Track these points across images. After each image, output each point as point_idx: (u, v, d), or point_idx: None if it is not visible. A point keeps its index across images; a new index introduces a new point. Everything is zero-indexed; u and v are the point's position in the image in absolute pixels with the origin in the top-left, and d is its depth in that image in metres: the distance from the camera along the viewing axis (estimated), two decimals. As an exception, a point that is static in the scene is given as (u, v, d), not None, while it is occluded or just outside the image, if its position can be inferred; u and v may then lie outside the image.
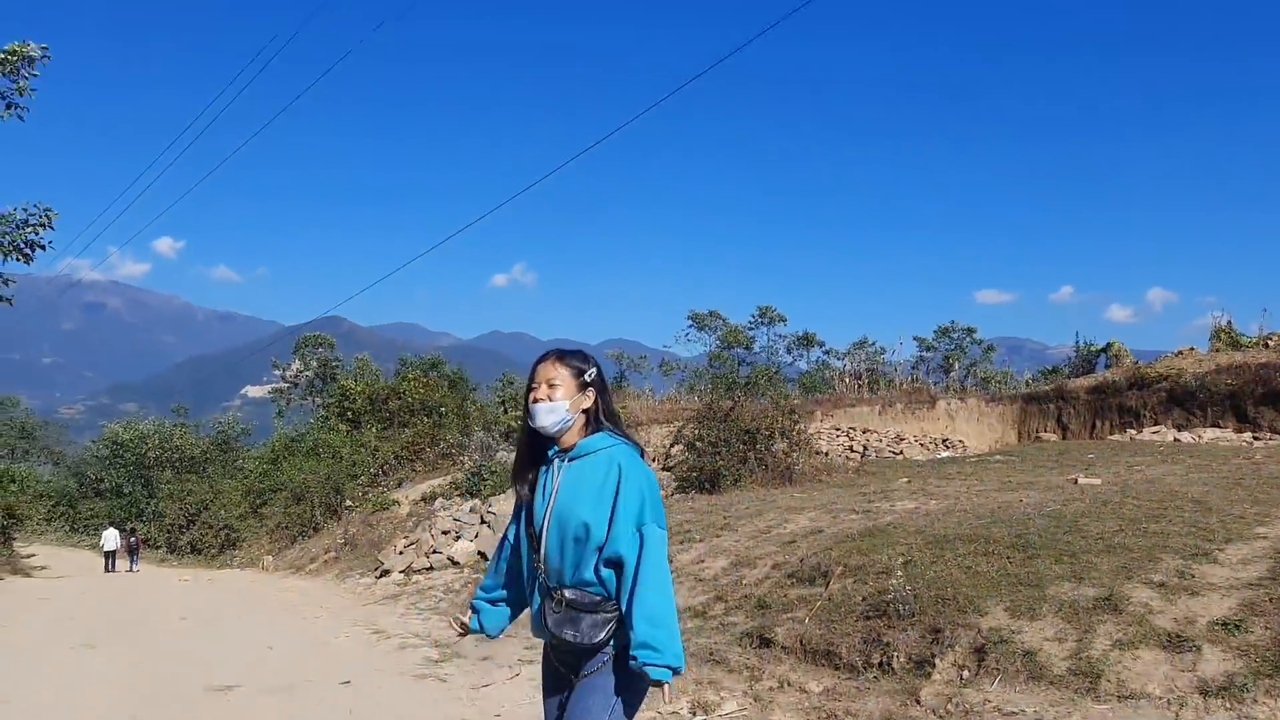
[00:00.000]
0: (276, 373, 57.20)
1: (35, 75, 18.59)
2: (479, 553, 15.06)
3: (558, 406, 2.86)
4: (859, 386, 35.23)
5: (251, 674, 7.87)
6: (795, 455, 14.40)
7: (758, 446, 14.22)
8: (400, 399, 34.40)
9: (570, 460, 2.85)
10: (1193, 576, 6.41)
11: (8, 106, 18.57)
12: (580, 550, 2.73)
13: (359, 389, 36.33)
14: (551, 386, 2.87)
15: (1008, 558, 7.33)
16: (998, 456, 15.92)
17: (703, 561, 9.54)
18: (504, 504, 18.01)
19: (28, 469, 47.33)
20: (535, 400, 2.89)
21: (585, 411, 2.90)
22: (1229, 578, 6.34)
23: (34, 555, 38.76)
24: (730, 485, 13.76)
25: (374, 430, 32.58)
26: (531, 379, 2.93)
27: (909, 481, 12.67)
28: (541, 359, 2.96)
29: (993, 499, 9.95)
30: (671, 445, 17.61)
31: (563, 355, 2.96)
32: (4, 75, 18.22)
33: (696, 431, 15.21)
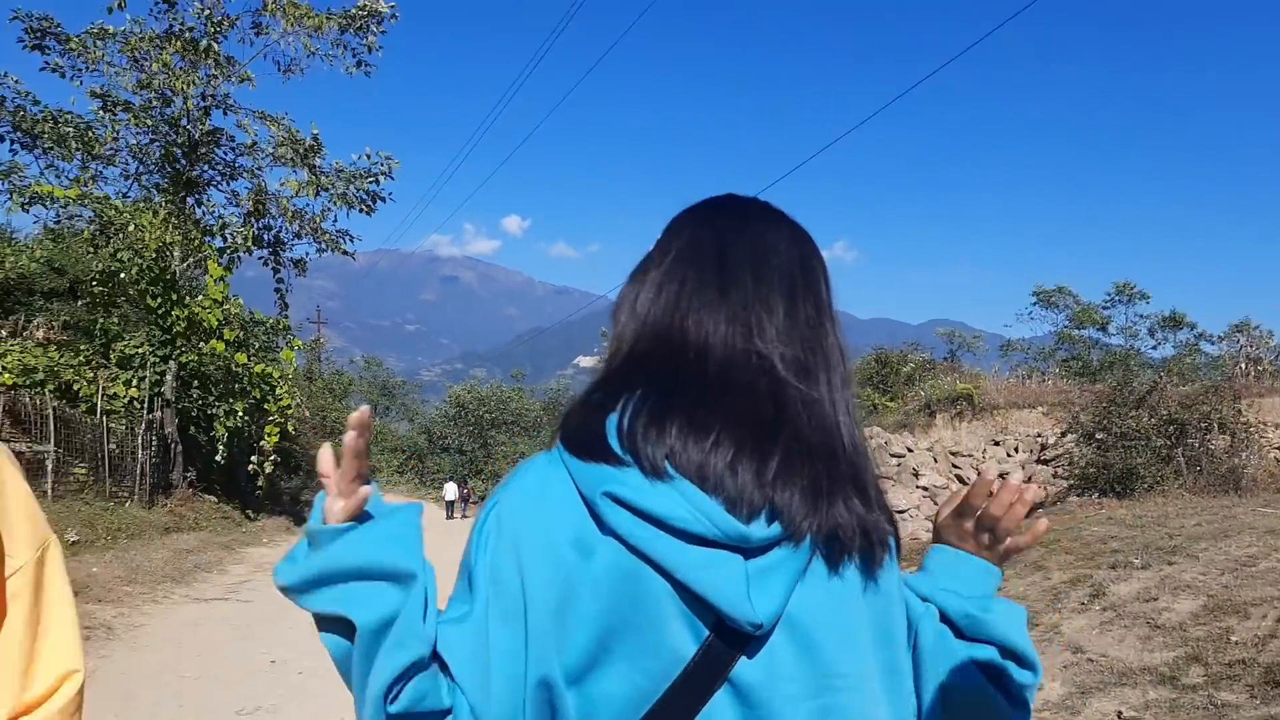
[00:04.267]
0: (605, 343, 58.43)
1: (383, 32, 18.74)
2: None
3: None
4: (1258, 376, 29.46)
5: None
6: (1244, 456, 11.00)
7: (1188, 442, 10.98)
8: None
9: None
10: None
11: (358, 64, 18.88)
12: None
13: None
14: None
15: None
16: None
17: (1156, 599, 6.85)
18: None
19: (383, 425, 51.37)
20: None
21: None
22: None
23: (386, 505, 41.73)
24: (1147, 490, 10.68)
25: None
26: None
27: None
28: None
29: None
30: (1063, 434, 14.58)
31: None
32: (354, 32, 18.48)
33: (1098, 420, 12.10)
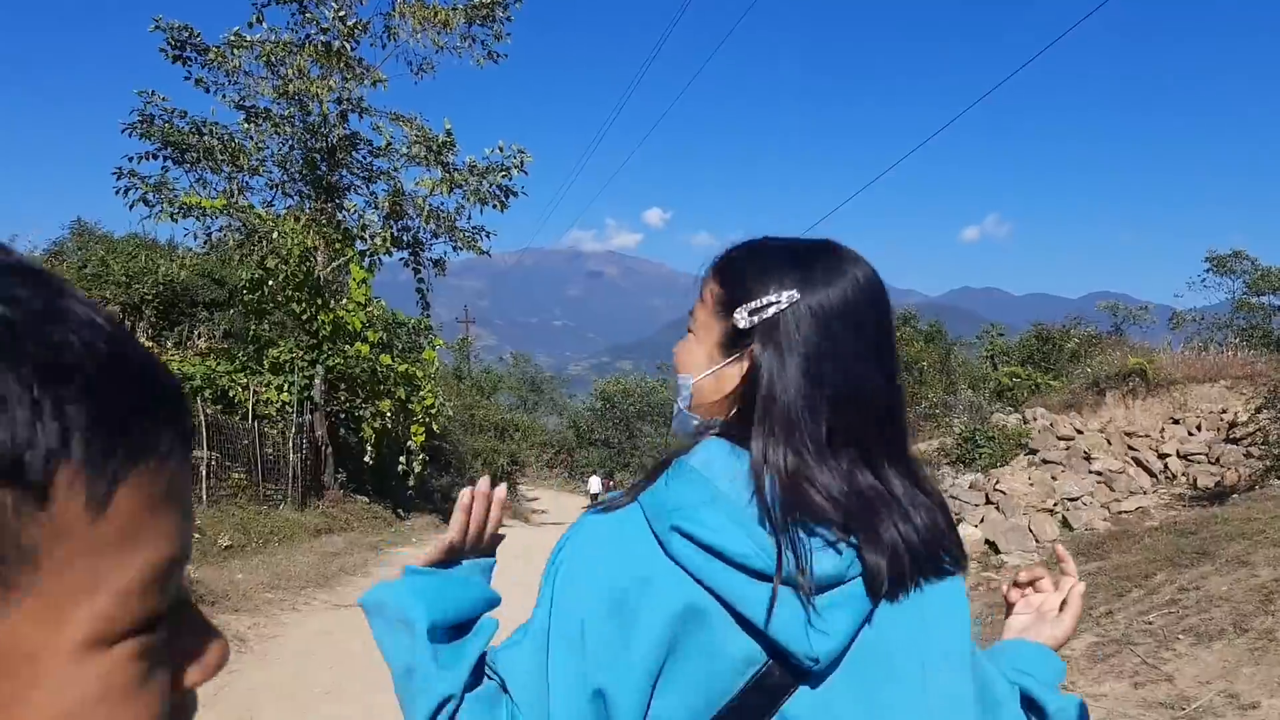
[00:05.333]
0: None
1: (509, 19, 18.48)
2: (986, 541, 11.95)
3: (679, 385, 1.17)
4: None
5: None
6: None
7: None
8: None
9: None
10: None
11: (487, 54, 18.71)
12: None
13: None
14: (687, 337, 1.19)
15: None
16: None
17: None
18: (1011, 479, 14.64)
19: (531, 420, 52.02)
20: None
21: (729, 398, 1.09)
22: None
23: (537, 499, 42.24)
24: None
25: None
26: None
27: None
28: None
29: None
30: (1257, 410, 13.18)
31: (725, 261, 1.20)
32: (480, 23, 18.28)
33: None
